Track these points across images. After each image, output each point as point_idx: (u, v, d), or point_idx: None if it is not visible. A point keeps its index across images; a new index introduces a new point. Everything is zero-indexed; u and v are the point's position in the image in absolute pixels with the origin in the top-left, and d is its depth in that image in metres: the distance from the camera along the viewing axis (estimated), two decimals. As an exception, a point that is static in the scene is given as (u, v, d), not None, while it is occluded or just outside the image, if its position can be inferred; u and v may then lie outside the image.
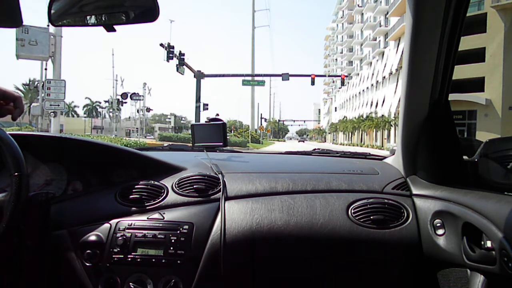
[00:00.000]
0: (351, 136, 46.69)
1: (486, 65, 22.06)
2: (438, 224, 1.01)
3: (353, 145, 39.28)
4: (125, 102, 29.75)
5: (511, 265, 0.76)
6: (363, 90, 44.38)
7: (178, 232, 1.04)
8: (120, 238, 1.03)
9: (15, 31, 9.09)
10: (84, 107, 54.63)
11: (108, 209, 1.11)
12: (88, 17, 1.01)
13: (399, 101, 1.23)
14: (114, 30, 0.99)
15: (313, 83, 22.81)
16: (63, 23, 1.04)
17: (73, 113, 51.69)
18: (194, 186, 1.16)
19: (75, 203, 1.14)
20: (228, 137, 1.40)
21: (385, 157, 1.51)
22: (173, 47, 18.13)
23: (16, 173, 0.88)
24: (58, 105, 9.79)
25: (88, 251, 1.02)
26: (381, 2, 38.50)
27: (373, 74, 39.72)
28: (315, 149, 1.76)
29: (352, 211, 1.10)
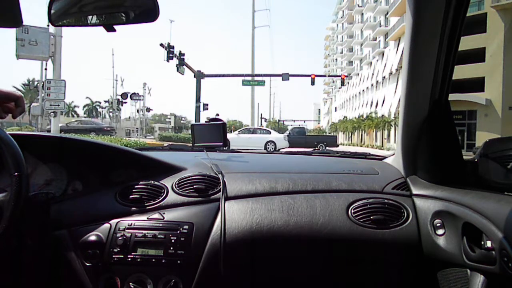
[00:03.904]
0: (351, 136, 46.69)
1: (486, 65, 22.07)
2: (438, 224, 1.01)
3: (353, 145, 39.23)
4: (125, 102, 29.74)
5: (511, 265, 0.76)
6: (363, 90, 44.38)
7: (178, 232, 1.04)
8: (120, 238, 1.03)
9: (15, 31, 9.08)
10: (84, 107, 54.70)
11: (108, 209, 1.11)
12: (88, 17, 1.01)
13: (399, 101, 1.23)
14: (114, 30, 0.99)
15: (313, 83, 22.79)
16: (63, 23, 1.04)
17: (73, 113, 51.69)
18: (194, 186, 1.16)
19: (75, 203, 1.14)
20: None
21: (385, 157, 1.51)
22: (173, 47, 18.10)
23: (16, 173, 0.88)
24: (58, 105, 9.78)
25: (88, 251, 1.02)
26: (381, 2, 38.50)
27: (373, 74, 39.72)
28: (315, 149, 1.76)
29: (352, 211, 1.10)
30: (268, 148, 15.96)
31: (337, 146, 21.69)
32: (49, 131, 10.44)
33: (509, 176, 0.98)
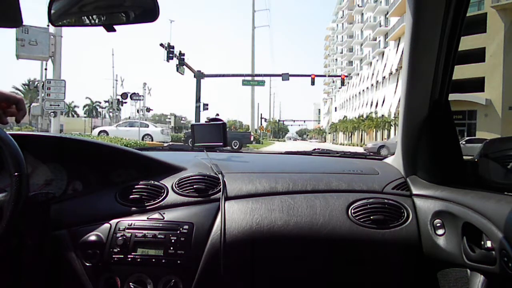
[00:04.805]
0: (351, 136, 46.69)
1: (486, 65, 22.09)
2: (438, 224, 1.01)
3: (353, 145, 39.22)
4: (125, 102, 29.72)
5: (511, 265, 0.76)
6: (363, 90, 44.40)
7: (178, 232, 1.04)
8: (120, 238, 1.03)
9: (15, 31, 9.09)
10: (84, 107, 54.70)
11: (108, 209, 1.11)
12: (88, 17, 1.01)
13: (399, 101, 1.23)
14: (114, 30, 0.99)
15: (313, 83, 22.81)
16: (63, 23, 1.04)
17: (73, 113, 51.68)
18: (194, 186, 1.16)
19: (75, 203, 1.14)
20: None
21: (385, 157, 1.51)
22: (173, 47, 18.12)
23: (16, 173, 0.88)
24: (58, 105, 9.79)
25: (88, 251, 1.02)
26: (381, 2, 38.53)
27: (373, 74, 39.74)
28: (315, 149, 1.76)
29: (352, 211, 1.10)
30: (145, 139, 16.84)
31: (251, 142, 20.83)
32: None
33: (509, 176, 0.98)
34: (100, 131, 18.07)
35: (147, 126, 19.76)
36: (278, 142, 51.58)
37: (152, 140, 17.07)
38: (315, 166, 1.46)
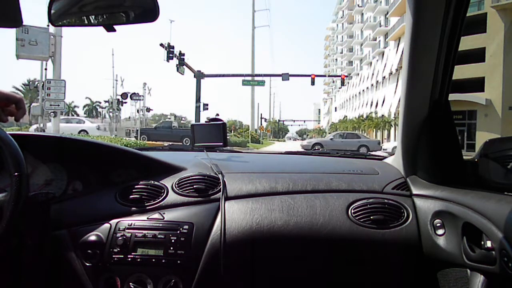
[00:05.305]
0: (351, 136, 46.62)
1: (486, 65, 22.08)
2: (438, 224, 1.01)
3: (353, 145, 39.13)
4: (125, 102, 29.72)
5: (511, 265, 0.76)
6: (363, 90, 44.41)
7: (178, 232, 1.04)
8: (120, 238, 1.03)
9: (15, 31, 9.07)
10: (84, 107, 54.72)
11: (108, 209, 1.11)
12: (88, 17, 1.01)
13: (399, 101, 1.23)
14: (114, 30, 0.99)
15: (313, 83, 22.80)
16: (63, 23, 1.04)
17: (73, 113, 51.68)
18: (194, 186, 1.16)
19: (75, 203, 1.15)
20: (228, 137, 1.40)
21: (385, 157, 1.51)
22: (173, 47, 18.12)
23: (16, 173, 0.88)
24: (58, 105, 9.78)
25: (88, 251, 1.03)
26: (381, 2, 38.54)
27: (373, 74, 39.74)
28: (315, 149, 1.76)
29: (352, 211, 1.10)
30: (81, 134, 17.63)
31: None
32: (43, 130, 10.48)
33: (509, 176, 0.98)
34: (36, 128, 18.58)
35: (83, 122, 20.47)
36: (278, 142, 51.56)
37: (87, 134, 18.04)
38: (315, 166, 1.46)
